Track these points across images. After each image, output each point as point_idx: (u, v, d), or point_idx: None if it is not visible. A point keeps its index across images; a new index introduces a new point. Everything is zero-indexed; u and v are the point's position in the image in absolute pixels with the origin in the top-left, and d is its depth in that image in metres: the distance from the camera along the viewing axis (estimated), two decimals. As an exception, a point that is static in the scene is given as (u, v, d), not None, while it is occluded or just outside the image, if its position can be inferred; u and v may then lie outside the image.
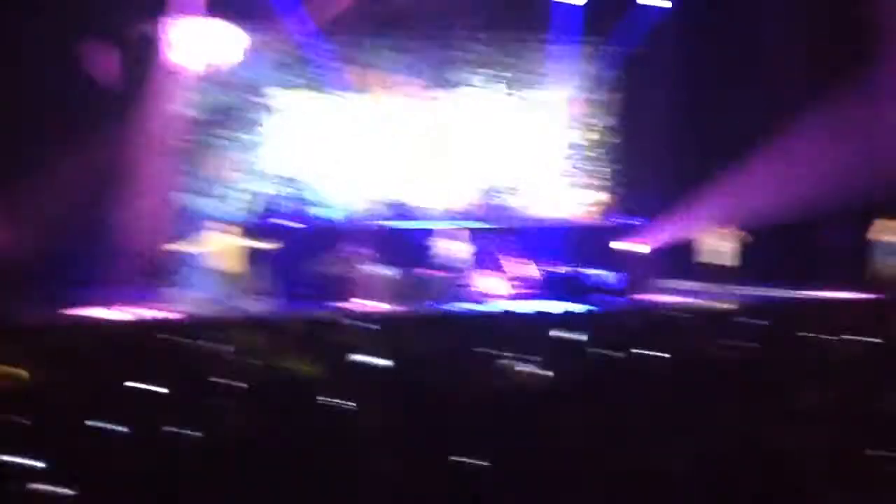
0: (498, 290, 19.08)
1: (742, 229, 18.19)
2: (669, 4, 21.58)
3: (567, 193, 23.00)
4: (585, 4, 21.56)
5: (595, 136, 23.28)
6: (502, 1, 20.77)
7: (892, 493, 5.23)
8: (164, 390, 6.98)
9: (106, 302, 16.58)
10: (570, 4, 21.64)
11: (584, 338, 9.89)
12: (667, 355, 8.67)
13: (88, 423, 6.25)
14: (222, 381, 7.39)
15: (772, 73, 20.77)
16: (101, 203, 19.03)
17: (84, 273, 18.15)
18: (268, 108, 21.39)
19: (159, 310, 15.45)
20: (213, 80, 21.02)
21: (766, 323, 11.48)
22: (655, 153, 22.05)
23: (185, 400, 6.82)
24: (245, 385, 7.29)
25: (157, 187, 20.54)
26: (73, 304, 16.37)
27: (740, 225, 18.20)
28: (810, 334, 10.16)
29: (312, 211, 21.41)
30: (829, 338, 9.87)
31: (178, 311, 16.19)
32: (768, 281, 19.61)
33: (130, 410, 6.59)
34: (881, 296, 16.98)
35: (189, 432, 6.09)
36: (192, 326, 11.40)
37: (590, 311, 14.38)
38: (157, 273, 20.16)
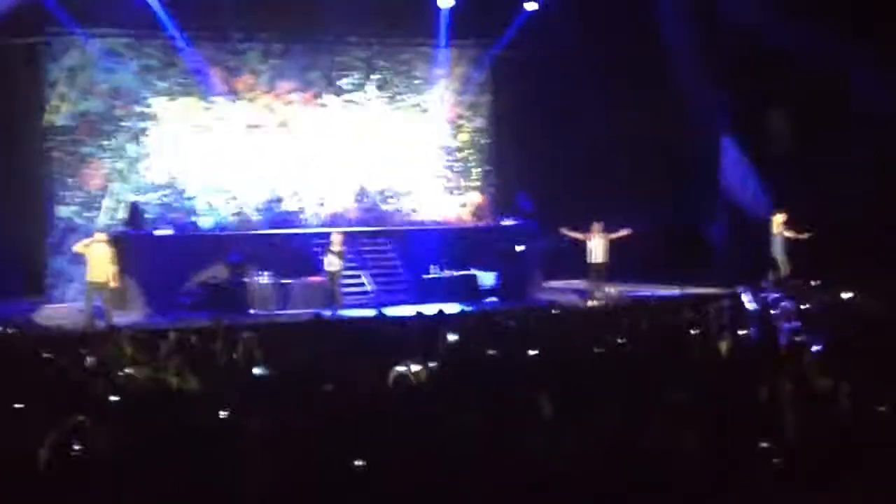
0: (377, 294, 19.07)
1: (622, 227, 18.46)
2: (536, 6, 21.88)
3: (443, 195, 23.14)
4: (455, 8, 21.74)
5: (467, 138, 23.51)
6: (374, 4, 20.79)
7: (765, 485, 5.35)
8: (30, 404, 6.75)
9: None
10: (440, 8, 21.79)
11: (464, 338, 9.92)
12: (546, 353, 8.75)
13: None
14: (95, 394, 7.20)
15: (639, 74, 21.18)
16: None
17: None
18: (141, 116, 20.98)
19: (30, 323, 14.97)
20: (84, 88, 20.57)
21: (642, 319, 11.68)
22: (528, 153, 22.34)
23: (56, 414, 6.61)
24: (118, 398, 7.11)
25: (29, 198, 20.01)
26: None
27: (620, 223, 18.46)
28: (686, 330, 10.36)
29: (189, 219, 21.08)
30: (703, 333, 10.09)
31: (50, 324, 15.71)
32: (647, 278, 20.02)
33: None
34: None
35: (62, 447, 5.91)
36: (64, 340, 11.08)
37: (468, 312, 14.43)
38: (28, 285, 19.63)
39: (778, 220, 18.36)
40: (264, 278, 18.36)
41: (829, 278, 15.98)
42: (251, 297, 17.89)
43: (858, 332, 9.55)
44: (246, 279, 18.17)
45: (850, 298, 13.09)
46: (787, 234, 18.24)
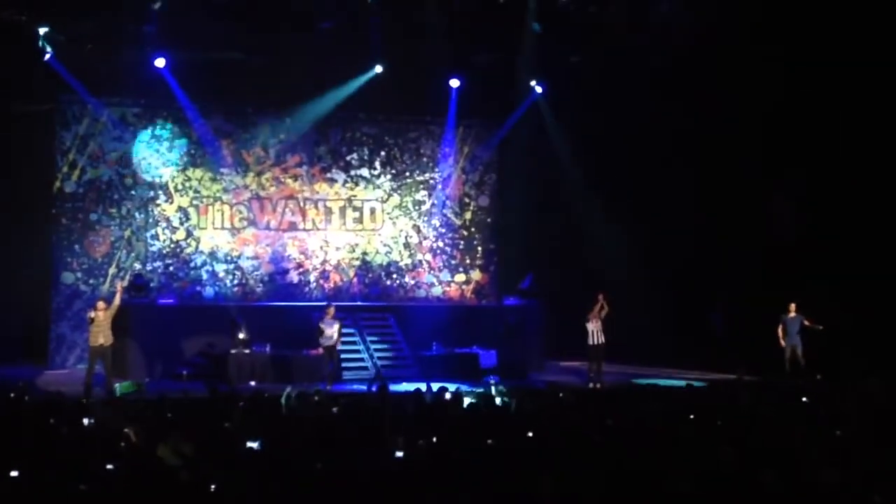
0: (372, 368, 19.01)
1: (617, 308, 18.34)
2: (540, 90, 22.21)
3: (446, 273, 23.24)
4: (463, 88, 22.06)
5: (471, 216, 23.66)
6: (383, 82, 21.11)
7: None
8: (26, 472, 6.75)
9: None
10: (449, 87, 22.12)
11: (462, 418, 9.90)
12: (545, 436, 8.73)
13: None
14: (91, 461, 7.19)
15: (642, 152, 21.27)
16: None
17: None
18: (150, 185, 21.17)
19: (31, 388, 14.93)
20: (94, 156, 20.80)
21: (633, 402, 11.64)
22: (530, 232, 22.45)
23: (53, 482, 6.62)
24: (112, 466, 7.10)
25: (34, 263, 20.09)
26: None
27: (614, 303, 18.34)
28: (681, 414, 10.30)
29: (193, 289, 21.18)
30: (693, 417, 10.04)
31: (51, 389, 15.67)
32: (650, 361, 19.97)
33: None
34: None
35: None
36: (64, 405, 11.06)
37: (468, 391, 14.34)
38: (31, 350, 19.64)
39: (792, 307, 17.89)
40: (257, 349, 18.30)
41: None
42: (244, 368, 17.85)
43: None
44: (244, 350, 18.11)
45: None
46: (806, 322, 17.76)
